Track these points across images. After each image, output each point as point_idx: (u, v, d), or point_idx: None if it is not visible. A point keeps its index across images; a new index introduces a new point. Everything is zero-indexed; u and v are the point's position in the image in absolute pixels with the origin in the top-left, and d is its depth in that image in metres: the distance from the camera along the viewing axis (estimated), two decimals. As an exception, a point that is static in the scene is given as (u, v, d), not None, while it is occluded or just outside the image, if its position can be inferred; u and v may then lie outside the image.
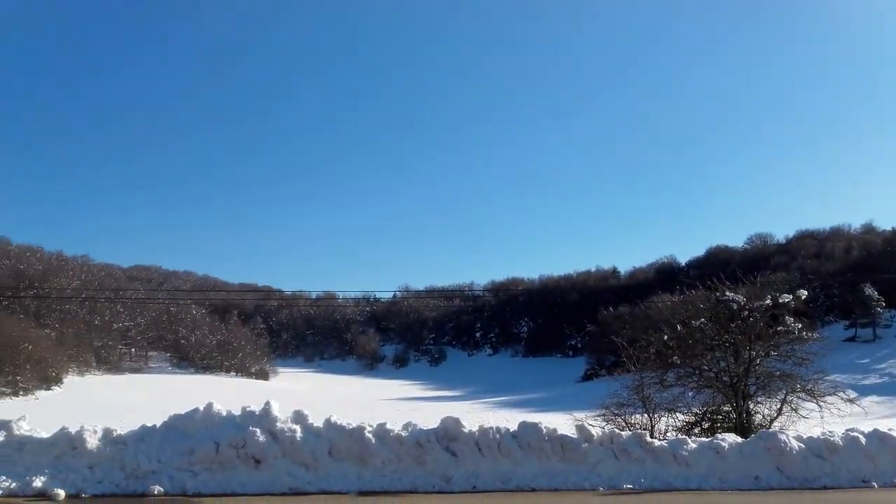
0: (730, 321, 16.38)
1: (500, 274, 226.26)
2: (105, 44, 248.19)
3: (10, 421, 10.06)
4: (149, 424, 10.58)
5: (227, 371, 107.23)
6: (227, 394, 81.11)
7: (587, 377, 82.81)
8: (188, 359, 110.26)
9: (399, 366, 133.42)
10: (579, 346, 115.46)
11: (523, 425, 11.39)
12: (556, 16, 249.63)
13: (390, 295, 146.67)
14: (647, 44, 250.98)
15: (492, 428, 11.22)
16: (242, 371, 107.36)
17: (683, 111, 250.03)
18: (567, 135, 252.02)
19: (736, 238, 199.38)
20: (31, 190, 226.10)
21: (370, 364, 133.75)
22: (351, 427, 10.71)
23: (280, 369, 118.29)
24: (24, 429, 9.99)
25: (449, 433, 10.94)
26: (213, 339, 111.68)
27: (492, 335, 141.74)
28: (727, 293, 16.64)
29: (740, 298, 16.32)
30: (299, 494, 9.96)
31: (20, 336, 76.85)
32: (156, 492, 9.46)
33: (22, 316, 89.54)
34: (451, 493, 10.32)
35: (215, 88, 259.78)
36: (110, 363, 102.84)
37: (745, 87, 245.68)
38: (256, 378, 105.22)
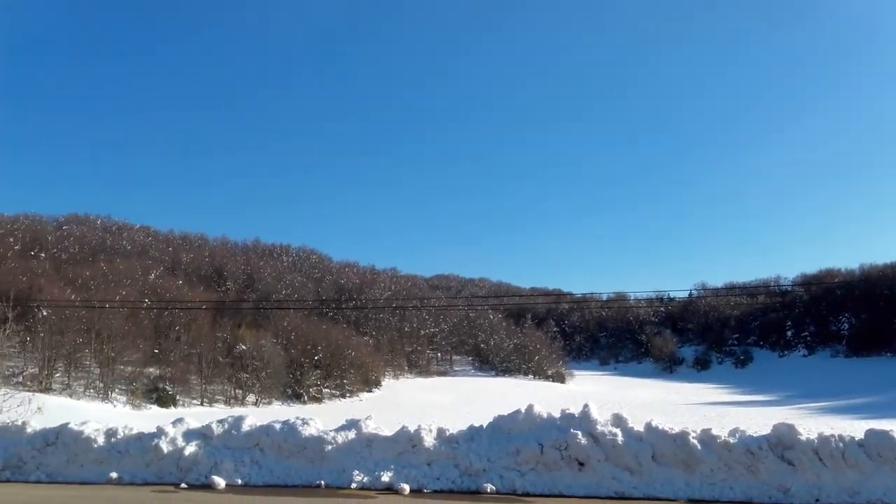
0: None
1: (811, 266, 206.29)
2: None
3: (358, 420, 11.22)
4: (476, 425, 11.16)
5: (525, 374, 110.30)
6: (526, 396, 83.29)
7: (929, 378, 72.81)
8: (489, 362, 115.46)
9: (700, 368, 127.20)
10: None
11: (871, 433, 10.17)
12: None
13: (685, 294, 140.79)
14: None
15: (833, 436, 10.17)
16: (539, 374, 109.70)
17: None
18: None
19: None
20: (346, 210, 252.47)
21: (668, 367, 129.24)
22: (674, 432, 10.34)
23: (575, 372, 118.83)
24: (370, 427, 11.06)
25: (783, 440, 10.11)
26: (510, 343, 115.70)
27: (805, 333, 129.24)
28: None
29: None
30: (625, 499, 9.82)
31: (344, 343, 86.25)
32: (489, 490, 9.91)
33: (344, 325, 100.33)
34: (791, 505, 9.55)
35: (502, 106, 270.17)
36: (420, 366, 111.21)
37: None
38: (553, 381, 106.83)
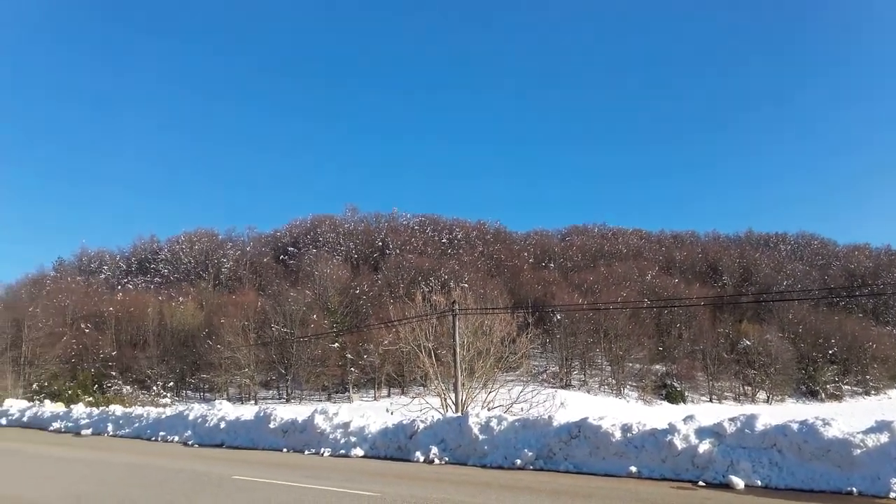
0: None
1: None
2: None
3: (891, 421, 9.94)
4: None
5: None
6: None
7: None
8: None
9: None
10: None
11: None
12: None
13: None
14: None
15: None
16: None
17: None
18: None
19: None
20: (842, 186, 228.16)
21: None
22: None
23: None
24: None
25: None
26: None
27: None
28: None
29: None
30: None
31: (862, 335, 77.46)
32: None
33: (860, 315, 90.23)
34: None
35: None
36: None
37: None
38: None
